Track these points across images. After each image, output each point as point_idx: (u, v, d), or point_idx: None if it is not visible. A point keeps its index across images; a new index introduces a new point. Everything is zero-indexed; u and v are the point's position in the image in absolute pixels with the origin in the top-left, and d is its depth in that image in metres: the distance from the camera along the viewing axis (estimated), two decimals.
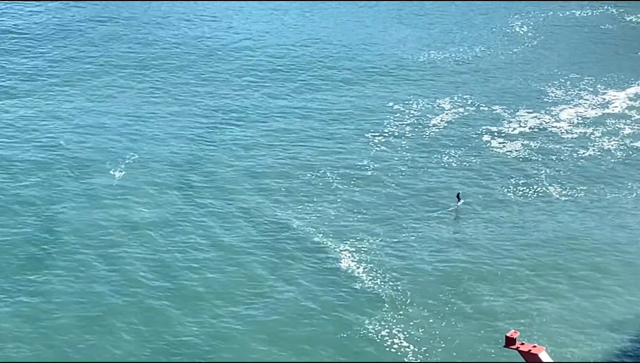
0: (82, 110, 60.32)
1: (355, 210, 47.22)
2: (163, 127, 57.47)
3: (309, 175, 50.82)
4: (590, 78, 64.07)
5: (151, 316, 38.99)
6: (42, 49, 70.76)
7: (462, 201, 48.01)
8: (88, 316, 38.91)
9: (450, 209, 47.88)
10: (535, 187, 49.38)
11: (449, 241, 44.60)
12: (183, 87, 63.88)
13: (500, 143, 54.56)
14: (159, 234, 45.14)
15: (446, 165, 52.06)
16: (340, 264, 42.52)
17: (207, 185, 50.13)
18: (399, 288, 40.64)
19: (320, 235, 44.77)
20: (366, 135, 55.61)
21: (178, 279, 41.58)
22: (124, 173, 51.05)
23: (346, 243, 44.03)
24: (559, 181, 50.12)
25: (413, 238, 44.73)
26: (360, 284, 40.92)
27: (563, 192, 48.96)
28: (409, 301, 39.71)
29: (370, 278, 41.32)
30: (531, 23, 75.33)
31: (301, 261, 42.78)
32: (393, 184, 49.90)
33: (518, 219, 46.52)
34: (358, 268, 42.12)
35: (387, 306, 39.28)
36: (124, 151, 53.77)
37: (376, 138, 55.20)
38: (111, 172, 51.14)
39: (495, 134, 55.72)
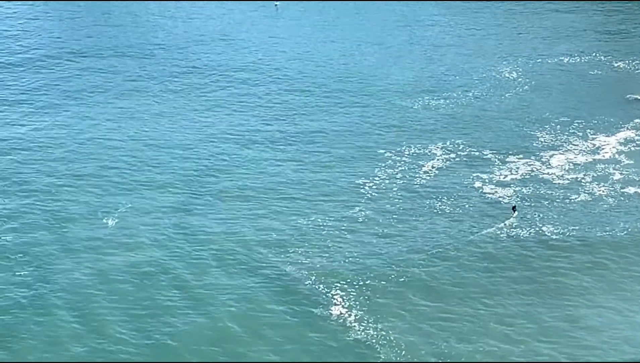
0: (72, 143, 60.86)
1: (346, 254, 47.11)
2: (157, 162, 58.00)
3: (300, 221, 50.75)
4: (580, 122, 64.37)
5: None
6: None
7: (517, 213, 49.84)
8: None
9: (506, 222, 49.37)
10: (528, 229, 49.61)
11: (442, 287, 44.46)
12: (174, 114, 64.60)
13: (492, 189, 54.56)
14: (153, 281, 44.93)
15: (439, 211, 51.99)
16: (331, 311, 42.34)
17: (200, 224, 50.31)
18: (392, 337, 40.34)
19: (312, 279, 44.66)
20: (357, 181, 55.57)
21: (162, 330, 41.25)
22: (117, 220, 50.94)
23: (337, 287, 43.86)
24: (552, 224, 50.25)
25: (403, 280, 44.58)
26: (353, 334, 40.61)
27: (555, 231, 49.30)
28: (403, 352, 39.38)
29: (363, 327, 41.03)
30: (520, 69, 75.83)
31: (290, 307, 42.54)
32: (384, 230, 49.80)
33: (515, 257, 46.99)
34: (349, 315, 41.93)
35: (383, 357, 38.85)
36: (118, 191, 53.96)
37: (367, 184, 55.16)
38: (104, 220, 51.05)
39: (487, 180, 55.75)
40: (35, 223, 50.46)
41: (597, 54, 79.23)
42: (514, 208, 51.43)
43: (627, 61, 77.27)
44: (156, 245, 48.29)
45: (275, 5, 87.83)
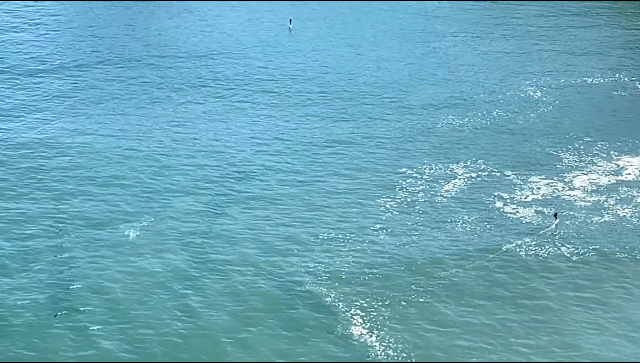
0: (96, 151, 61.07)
1: (367, 271, 46.92)
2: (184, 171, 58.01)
3: (320, 237, 50.58)
4: (604, 143, 63.95)
5: None
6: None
7: (558, 220, 50.79)
8: None
9: (547, 229, 50.28)
10: (547, 249, 49.48)
11: (459, 309, 44.21)
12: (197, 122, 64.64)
13: (513, 209, 54.21)
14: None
15: (459, 230, 51.80)
16: (351, 330, 42.05)
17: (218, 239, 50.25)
18: (413, 358, 40.19)
19: (332, 296, 44.47)
20: (378, 200, 55.33)
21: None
22: (138, 232, 50.80)
23: (356, 306, 43.62)
24: (572, 245, 50.08)
25: (423, 301, 44.46)
26: (374, 354, 40.35)
27: (575, 252, 49.16)
28: None
29: (383, 347, 40.77)
30: (544, 88, 75.46)
31: (310, 326, 42.33)
32: (406, 248, 49.61)
33: (531, 282, 46.69)
34: (370, 336, 41.66)
35: None
36: (140, 202, 53.88)
37: (388, 202, 54.90)
38: (125, 230, 50.92)
39: (508, 200, 55.40)
40: (50, 231, 50.49)
41: (621, 75, 78.79)
42: (555, 215, 51.84)
43: None
44: (173, 256, 48.25)
45: (289, 28, 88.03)
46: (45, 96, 71.92)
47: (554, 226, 51.20)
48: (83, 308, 43.15)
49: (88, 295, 44.50)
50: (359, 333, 41.82)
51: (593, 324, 43.33)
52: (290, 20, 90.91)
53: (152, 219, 51.87)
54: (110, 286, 45.27)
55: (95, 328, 41.69)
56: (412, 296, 45.01)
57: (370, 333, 41.84)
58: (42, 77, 75.92)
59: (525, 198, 55.72)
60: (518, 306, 44.62)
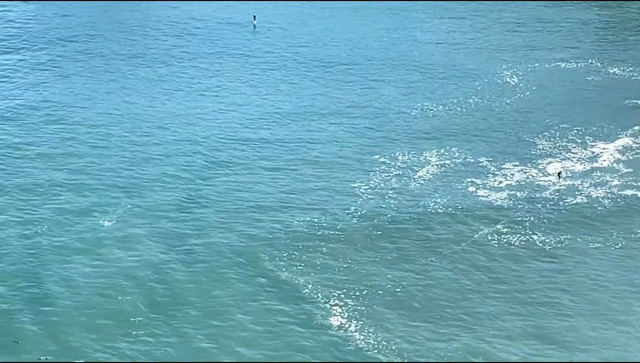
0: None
1: (341, 260, 46.61)
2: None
3: (295, 221, 50.29)
4: (579, 129, 63.87)
5: None
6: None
7: (561, 179, 53.70)
8: None
9: (555, 188, 52.79)
10: (518, 236, 49.32)
11: (435, 296, 44.06)
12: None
13: (485, 193, 54.09)
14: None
15: (433, 211, 51.81)
16: (331, 320, 41.73)
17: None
18: (392, 347, 39.91)
19: (309, 286, 44.08)
20: (352, 185, 54.99)
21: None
22: (114, 220, 50.21)
23: (334, 296, 43.28)
24: (542, 231, 50.01)
25: (399, 290, 44.15)
26: (354, 344, 40.02)
27: (546, 240, 49.04)
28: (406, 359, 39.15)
29: (363, 337, 40.45)
30: (520, 73, 75.30)
31: (289, 316, 41.94)
32: (379, 234, 49.34)
33: (503, 267, 46.87)
34: (349, 325, 41.35)
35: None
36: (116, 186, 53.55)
37: (362, 187, 54.59)
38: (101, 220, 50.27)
39: (481, 185, 55.25)
40: (12, 221, 50.04)
41: (593, 61, 78.83)
42: (559, 174, 54.08)
43: (622, 68, 77.00)
44: (151, 245, 47.82)
45: (253, 24, 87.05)
46: (14, 73, 71.60)
47: (557, 184, 53.00)
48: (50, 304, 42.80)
49: (55, 283, 44.05)
50: (339, 323, 41.47)
51: (564, 316, 43.02)
52: (254, 16, 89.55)
53: (127, 203, 51.58)
54: (76, 274, 44.94)
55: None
56: (389, 286, 44.65)
57: (349, 323, 41.52)
58: (11, 54, 75.70)
59: (498, 184, 55.58)
60: (494, 294, 44.43)
